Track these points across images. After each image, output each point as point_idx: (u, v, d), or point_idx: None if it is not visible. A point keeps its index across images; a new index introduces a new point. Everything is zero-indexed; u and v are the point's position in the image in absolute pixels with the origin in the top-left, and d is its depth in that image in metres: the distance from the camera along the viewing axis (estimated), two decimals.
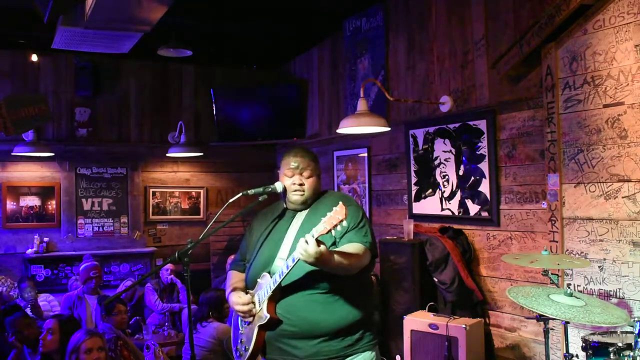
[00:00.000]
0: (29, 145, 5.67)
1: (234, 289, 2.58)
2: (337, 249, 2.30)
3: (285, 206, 2.60)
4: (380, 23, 5.22)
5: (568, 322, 2.91)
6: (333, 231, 2.12)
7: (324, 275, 2.30)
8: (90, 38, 4.51)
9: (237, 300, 2.47)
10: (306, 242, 2.11)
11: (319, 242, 2.13)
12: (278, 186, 2.53)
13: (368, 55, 5.40)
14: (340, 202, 2.12)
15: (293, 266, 2.23)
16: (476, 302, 4.18)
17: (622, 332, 2.81)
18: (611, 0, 3.20)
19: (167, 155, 6.35)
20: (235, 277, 2.68)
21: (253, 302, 2.44)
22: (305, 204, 2.53)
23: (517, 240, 4.00)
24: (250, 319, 2.45)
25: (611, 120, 3.23)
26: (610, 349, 2.63)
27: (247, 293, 2.54)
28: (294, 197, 2.51)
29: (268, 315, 2.35)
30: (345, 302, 2.37)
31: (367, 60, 5.41)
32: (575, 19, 3.36)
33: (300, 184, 2.49)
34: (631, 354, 2.50)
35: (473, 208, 4.33)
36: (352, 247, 2.35)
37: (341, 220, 2.08)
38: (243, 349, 2.49)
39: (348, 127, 3.93)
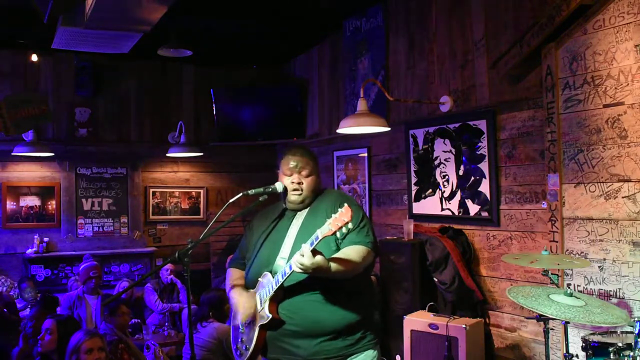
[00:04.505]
0: (29, 145, 5.67)
1: (234, 286, 2.58)
2: (335, 256, 2.29)
3: (284, 206, 2.61)
4: (380, 23, 5.22)
5: (568, 322, 2.91)
6: (338, 233, 2.12)
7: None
8: (90, 38, 4.51)
9: (241, 301, 2.46)
10: (302, 255, 2.12)
11: (315, 252, 2.14)
12: (278, 186, 2.53)
13: (368, 55, 5.40)
14: (346, 204, 2.12)
15: (290, 273, 2.25)
16: (476, 302, 4.18)
17: (622, 332, 2.81)
18: (611, 0, 3.20)
19: (167, 155, 6.35)
20: (235, 274, 2.69)
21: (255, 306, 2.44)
22: (304, 204, 2.53)
23: (517, 240, 4.00)
24: (250, 320, 2.45)
25: (611, 120, 3.23)
26: (610, 349, 2.63)
27: (248, 292, 2.55)
28: (293, 196, 2.52)
29: (270, 316, 2.34)
30: (347, 301, 2.37)
31: (367, 60, 5.41)
32: (575, 19, 3.36)
33: (299, 183, 2.50)
34: (631, 354, 2.50)
35: (473, 208, 4.33)
36: (353, 250, 2.35)
37: (346, 222, 2.08)
38: (244, 348, 2.49)
39: (348, 127, 3.93)
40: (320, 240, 2.14)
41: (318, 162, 2.62)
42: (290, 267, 2.24)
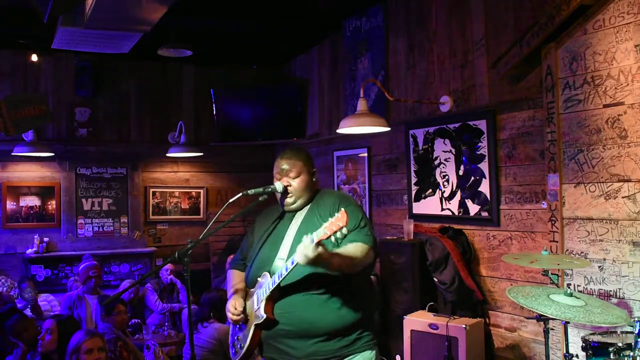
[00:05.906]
0: (29, 145, 5.67)
1: (236, 291, 2.59)
2: (338, 250, 2.30)
3: (282, 208, 2.62)
4: (380, 23, 5.22)
5: (568, 322, 2.91)
6: (333, 237, 2.12)
7: (322, 276, 2.31)
8: (90, 38, 4.51)
9: (232, 310, 2.50)
10: (305, 245, 2.12)
11: (318, 243, 2.13)
12: (278, 186, 2.55)
13: (368, 55, 5.40)
14: (343, 209, 2.12)
15: (292, 269, 2.25)
16: (476, 302, 4.18)
17: (622, 332, 2.81)
18: (611, 0, 3.20)
19: (167, 155, 6.35)
20: (236, 277, 2.70)
21: (244, 312, 2.49)
22: (296, 204, 2.55)
23: (517, 240, 4.00)
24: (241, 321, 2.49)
25: (611, 120, 3.23)
26: (610, 349, 2.63)
27: (247, 292, 2.55)
28: (285, 199, 2.56)
29: (264, 316, 2.36)
30: (343, 302, 2.37)
31: (367, 60, 5.41)
32: (575, 19, 3.36)
33: (288, 185, 2.53)
34: (631, 354, 2.50)
35: (473, 208, 4.33)
36: (355, 246, 2.35)
37: (341, 227, 2.08)
38: (239, 346, 2.52)
39: (348, 127, 3.93)
40: (315, 243, 2.14)
41: (311, 160, 2.62)
42: (287, 268, 2.26)
